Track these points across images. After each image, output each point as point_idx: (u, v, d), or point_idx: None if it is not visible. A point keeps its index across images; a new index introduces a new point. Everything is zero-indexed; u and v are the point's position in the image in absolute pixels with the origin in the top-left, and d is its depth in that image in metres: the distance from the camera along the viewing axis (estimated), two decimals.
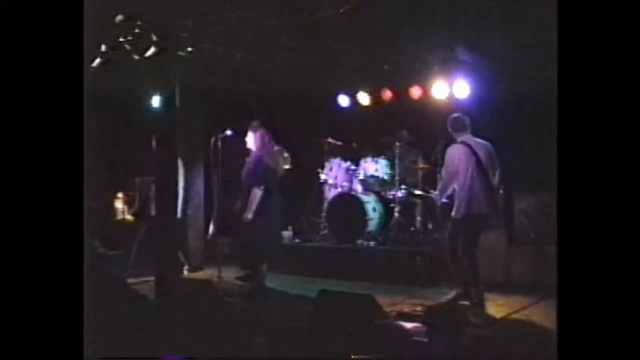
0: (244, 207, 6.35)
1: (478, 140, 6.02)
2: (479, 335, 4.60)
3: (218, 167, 7.04)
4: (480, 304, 5.76)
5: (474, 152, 5.87)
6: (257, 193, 6.31)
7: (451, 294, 6.08)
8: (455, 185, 5.95)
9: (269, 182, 6.42)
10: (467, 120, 6.06)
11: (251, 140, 6.56)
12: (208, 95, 8.48)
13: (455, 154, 5.94)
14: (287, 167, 7.82)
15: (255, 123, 6.57)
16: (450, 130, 6.09)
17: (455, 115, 6.15)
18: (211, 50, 6.92)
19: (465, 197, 5.85)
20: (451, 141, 6.14)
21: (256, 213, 6.29)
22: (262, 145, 6.49)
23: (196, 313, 4.79)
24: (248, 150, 6.66)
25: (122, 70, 7.33)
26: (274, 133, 6.72)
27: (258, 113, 8.62)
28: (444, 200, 6.29)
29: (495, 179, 5.97)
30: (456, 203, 5.95)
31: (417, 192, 7.76)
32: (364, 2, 5.53)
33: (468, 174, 5.84)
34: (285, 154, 7.29)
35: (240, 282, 6.58)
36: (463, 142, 5.96)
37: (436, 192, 6.62)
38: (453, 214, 6.00)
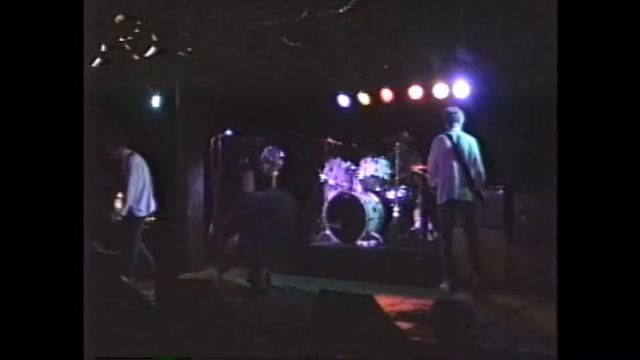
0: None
1: (464, 135, 6.45)
2: (479, 335, 4.60)
3: (218, 167, 7.04)
4: (482, 296, 6.08)
5: (454, 146, 6.35)
6: None
7: (444, 284, 6.46)
8: (439, 175, 6.45)
9: None
10: (458, 116, 6.50)
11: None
12: (208, 95, 8.47)
13: (435, 146, 6.49)
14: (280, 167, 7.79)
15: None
16: (445, 123, 6.53)
17: (448, 108, 6.61)
18: (211, 50, 6.90)
19: (445, 186, 6.36)
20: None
21: None
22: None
23: (196, 313, 4.79)
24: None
25: (122, 70, 7.32)
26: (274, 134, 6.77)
27: (258, 113, 8.65)
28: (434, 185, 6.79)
29: (475, 172, 6.36)
30: (438, 190, 6.48)
31: (419, 167, 8.00)
32: (364, 2, 5.52)
33: (447, 165, 6.34)
34: (281, 154, 7.29)
35: (250, 285, 6.59)
36: (446, 135, 6.41)
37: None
38: (437, 201, 6.52)
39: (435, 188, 6.67)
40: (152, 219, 8.60)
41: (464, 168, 6.29)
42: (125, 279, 6.62)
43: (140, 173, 7.13)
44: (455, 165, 6.31)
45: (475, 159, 6.39)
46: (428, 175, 6.79)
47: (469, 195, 6.32)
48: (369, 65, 7.67)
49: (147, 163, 7.26)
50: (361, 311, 4.29)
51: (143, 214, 7.18)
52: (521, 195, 6.99)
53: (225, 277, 6.98)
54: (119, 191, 7.05)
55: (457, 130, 6.45)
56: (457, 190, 6.30)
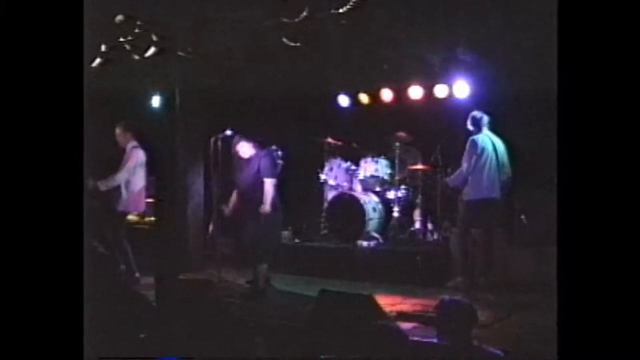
0: (257, 200, 6.35)
1: (495, 137, 6.75)
2: (479, 335, 4.60)
3: (218, 167, 7.04)
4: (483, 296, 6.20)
5: (489, 147, 6.61)
6: (271, 187, 6.40)
7: (452, 282, 6.67)
8: (472, 173, 6.60)
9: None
10: (484, 119, 6.73)
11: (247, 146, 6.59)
12: (208, 95, 8.47)
13: (472, 147, 6.63)
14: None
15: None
16: (471, 127, 6.74)
17: (474, 113, 6.79)
18: (211, 50, 6.91)
19: (476, 184, 6.57)
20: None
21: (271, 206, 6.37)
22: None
23: (196, 313, 4.79)
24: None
25: (122, 70, 7.32)
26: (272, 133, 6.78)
27: (258, 113, 8.65)
28: (454, 184, 6.97)
29: (504, 173, 6.70)
30: (467, 188, 6.63)
31: (419, 167, 8.03)
32: (364, 2, 5.52)
33: (486, 163, 6.58)
34: (279, 152, 7.32)
35: (249, 285, 6.59)
36: (482, 136, 6.67)
37: (451, 177, 7.13)
38: (464, 197, 6.67)
39: (456, 186, 6.91)
40: (152, 219, 8.62)
41: (496, 169, 6.61)
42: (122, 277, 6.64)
43: (138, 167, 7.13)
44: (489, 165, 6.58)
45: (504, 161, 6.71)
46: (461, 173, 6.83)
47: (496, 195, 6.59)
48: (369, 65, 7.67)
49: (147, 162, 7.27)
50: (361, 311, 4.28)
51: (127, 209, 7.16)
52: (521, 195, 7.00)
53: (225, 277, 6.98)
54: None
55: (487, 132, 6.71)
56: (487, 190, 6.56)
